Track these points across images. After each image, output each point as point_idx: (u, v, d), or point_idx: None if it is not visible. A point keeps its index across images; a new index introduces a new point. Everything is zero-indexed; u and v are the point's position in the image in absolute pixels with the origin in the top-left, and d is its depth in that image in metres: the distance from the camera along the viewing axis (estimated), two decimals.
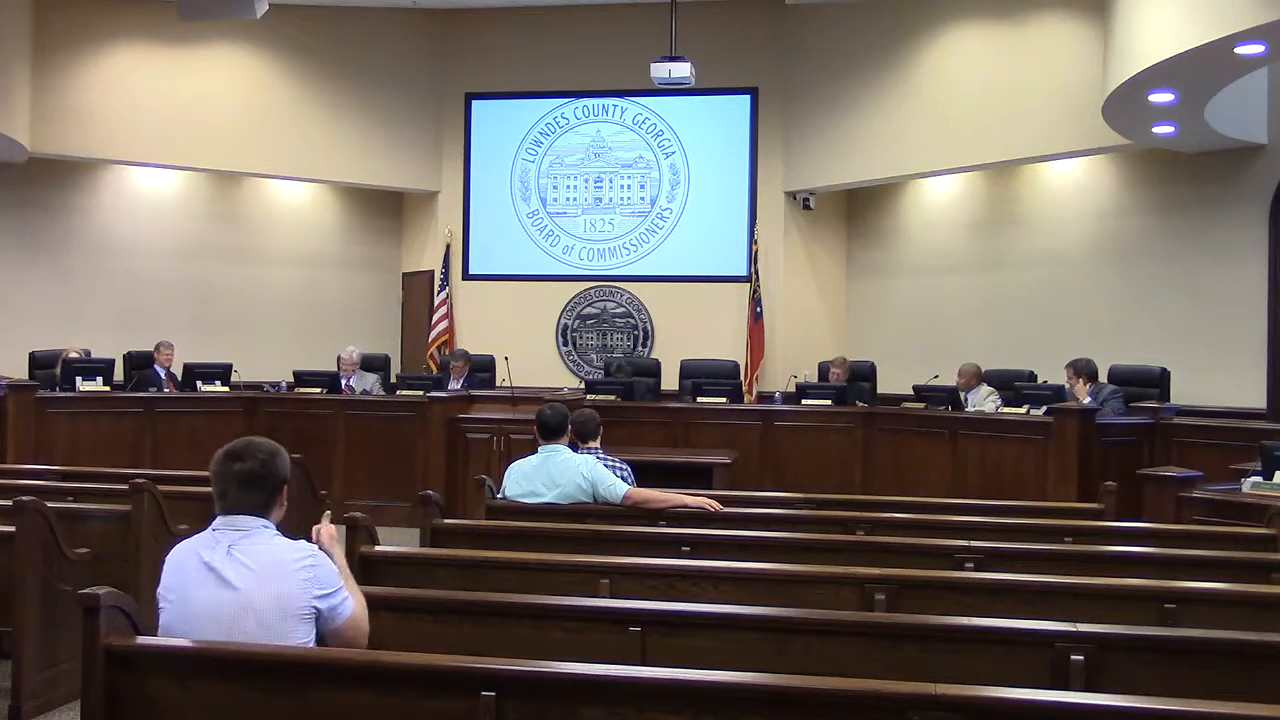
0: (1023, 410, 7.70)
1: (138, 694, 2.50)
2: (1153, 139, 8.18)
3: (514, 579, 3.75)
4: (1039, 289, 9.76)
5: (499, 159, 11.77)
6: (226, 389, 9.17)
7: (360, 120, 11.38)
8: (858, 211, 11.58)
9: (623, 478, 5.08)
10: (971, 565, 4.00)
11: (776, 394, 9.97)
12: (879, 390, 9.74)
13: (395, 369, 10.67)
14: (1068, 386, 7.78)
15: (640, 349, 11.42)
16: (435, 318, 11.59)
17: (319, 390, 9.18)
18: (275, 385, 9.56)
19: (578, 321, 11.64)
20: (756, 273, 11.00)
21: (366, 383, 9.45)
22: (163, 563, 2.74)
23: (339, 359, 9.62)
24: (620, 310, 11.55)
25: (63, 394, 8.35)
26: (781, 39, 11.17)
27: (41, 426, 7.97)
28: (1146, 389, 8.00)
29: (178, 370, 9.33)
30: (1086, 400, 7.56)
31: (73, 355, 8.94)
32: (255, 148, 10.92)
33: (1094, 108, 7.92)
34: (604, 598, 3.57)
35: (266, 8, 7.62)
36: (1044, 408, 7.41)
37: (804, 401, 9.13)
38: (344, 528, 3.80)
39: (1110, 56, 7.57)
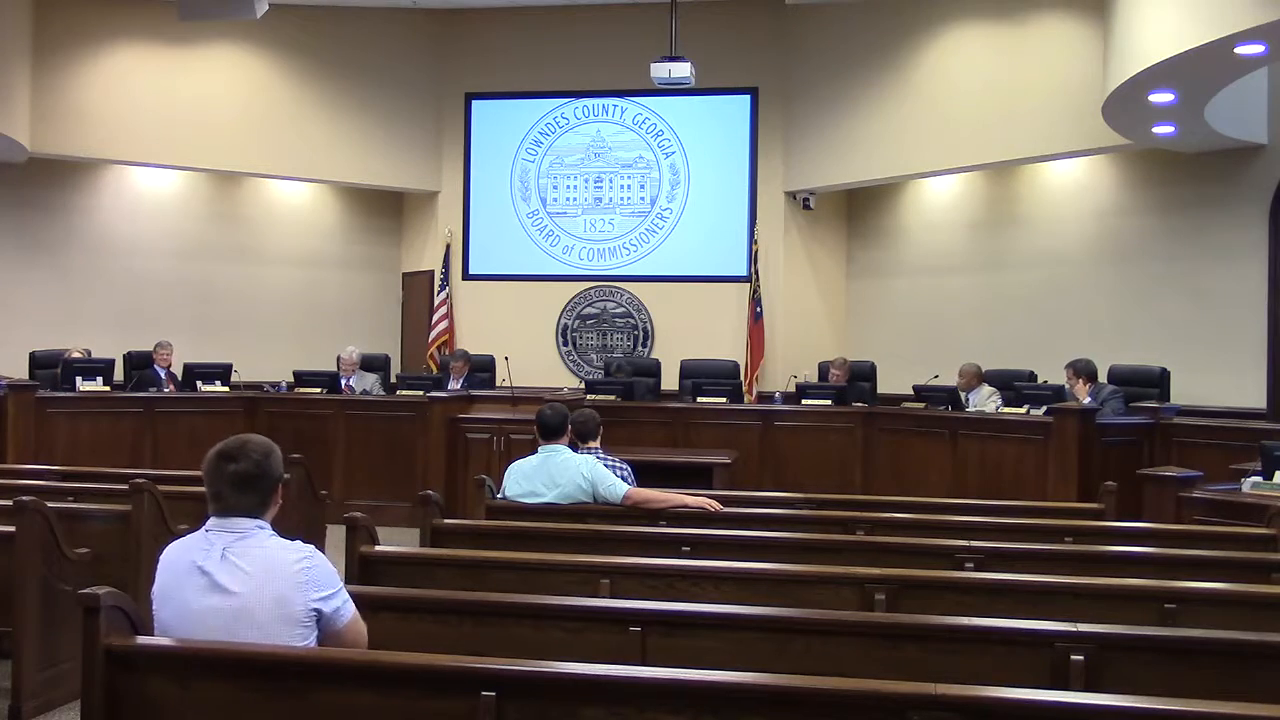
0: (1023, 410, 7.70)
1: (138, 694, 2.50)
2: (1153, 139, 8.18)
3: (514, 579, 3.74)
4: (1039, 289, 9.76)
5: (499, 159, 11.77)
6: (226, 389, 9.17)
7: (360, 120, 11.38)
8: (858, 211, 11.58)
9: (623, 478, 5.08)
10: (971, 565, 4.00)
11: (776, 394, 9.97)
12: (879, 390, 9.74)
13: (395, 369, 10.67)
14: (1067, 387, 7.78)
15: (640, 349, 11.42)
16: (435, 318, 11.59)
17: (319, 390, 9.18)
18: (275, 385, 9.56)
19: (578, 321, 11.64)
20: (756, 273, 11.00)
21: (366, 383, 9.45)
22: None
23: (339, 359, 9.62)
24: (620, 310, 11.55)
25: (63, 394, 8.35)
26: (781, 39, 11.17)
27: (41, 426, 7.97)
28: (1146, 389, 8.00)
29: (178, 370, 9.33)
30: (1086, 400, 7.56)
31: (74, 355, 8.94)
32: (255, 148, 10.92)
33: (1094, 108, 7.92)
34: (604, 598, 3.57)
35: (266, 8, 7.62)
36: (1044, 408, 7.41)
37: (804, 401, 9.13)
38: (344, 528, 3.82)
39: (1110, 56, 7.57)
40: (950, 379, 8.73)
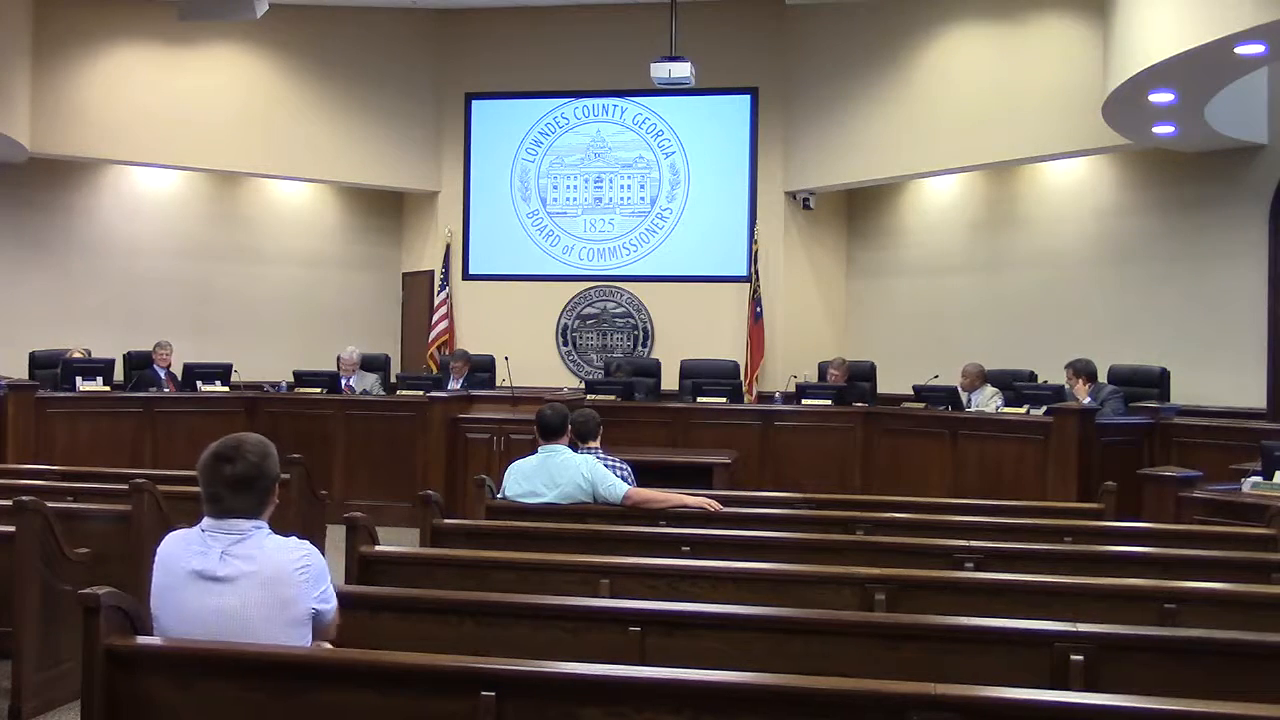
0: (1023, 410, 7.70)
1: (138, 694, 2.50)
2: (1153, 139, 8.18)
3: (514, 579, 3.75)
4: (1039, 289, 9.75)
5: (499, 159, 11.77)
6: (226, 389, 9.16)
7: (360, 120, 11.38)
8: (858, 211, 11.58)
9: (623, 478, 5.08)
10: (971, 565, 4.00)
11: (776, 394, 9.97)
12: (879, 390, 9.74)
13: (395, 369, 10.67)
14: (1067, 387, 7.78)
15: (640, 349, 11.42)
16: (435, 318, 11.59)
17: (319, 390, 9.18)
18: (275, 385, 9.56)
19: (578, 321, 11.64)
20: (756, 273, 11.00)
21: (366, 383, 9.45)
22: None
23: (339, 359, 9.62)
24: (620, 310, 11.55)
25: (63, 394, 8.34)
26: (781, 39, 11.17)
27: (41, 426, 7.96)
28: (1146, 389, 8.00)
29: (178, 370, 9.33)
30: (1086, 400, 7.56)
31: (74, 355, 8.94)
32: (255, 148, 10.92)
33: (1094, 108, 7.92)
34: (604, 598, 3.57)
35: (266, 8, 7.62)
36: (1044, 408, 7.41)
37: (804, 401, 9.13)
38: (344, 528, 3.81)
39: (1110, 56, 7.57)
40: (950, 379, 8.72)
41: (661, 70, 9.20)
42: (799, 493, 6.35)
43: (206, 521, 2.64)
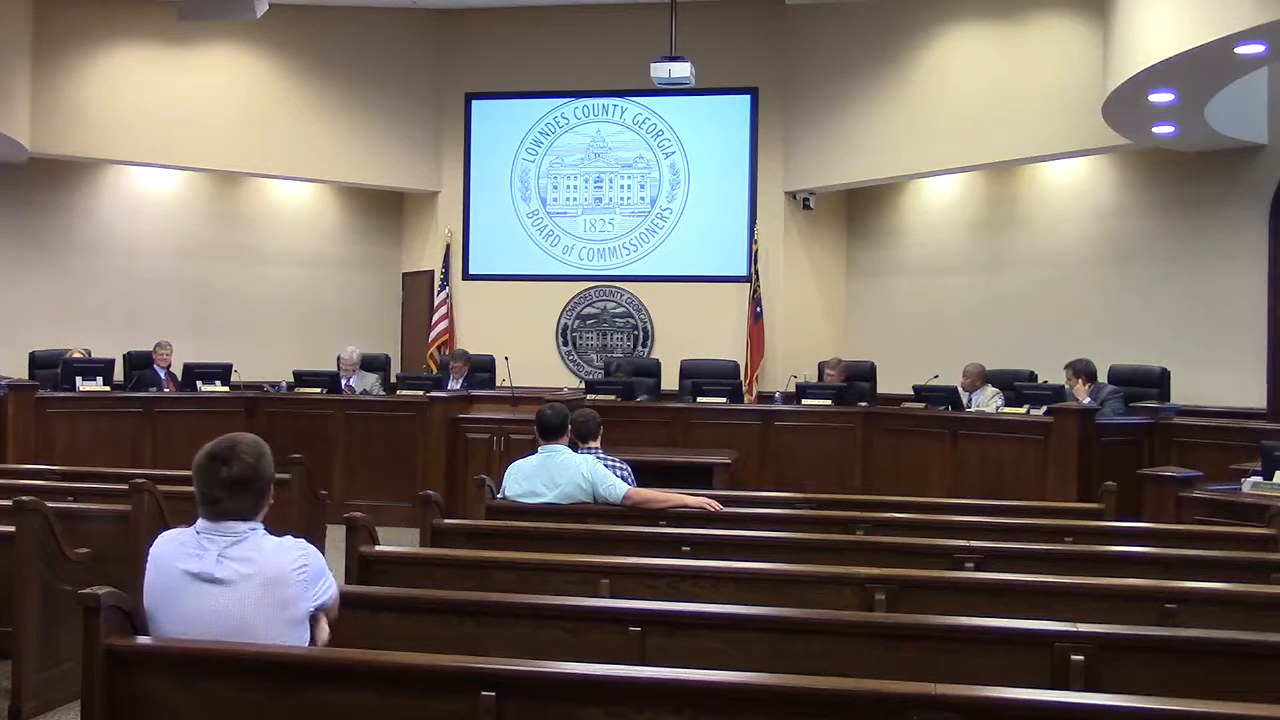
0: (1023, 410, 7.70)
1: (138, 694, 2.50)
2: (1153, 139, 8.18)
3: (514, 579, 3.75)
4: (1039, 289, 9.75)
5: (499, 159, 11.77)
6: (226, 389, 9.16)
7: (360, 120, 11.38)
8: (858, 211, 11.58)
9: (623, 478, 5.08)
10: (971, 565, 4.00)
11: (776, 394, 9.97)
12: (879, 390, 9.74)
13: (395, 369, 10.67)
14: (1067, 387, 7.78)
15: (640, 349, 11.42)
16: (435, 318, 11.59)
17: (319, 390, 9.17)
18: (275, 385, 9.56)
19: (578, 321, 11.64)
20: (756, 273, 11.00)
21: (366, 383, 9.45)
22: None
23: (339, 359, 9.62)
24: (620, 310, 11.55)
25: (63, 394, 8.34)
26: (781, 39, 11.17)
27: (41, 426, 7.96)
28: (1146, 389, 8.00)
29: (178, 370, 9.33)
30: (1086, 400, 7.56)
31: (74, 355, 8.94)
32: (255, 148, 10.92)
33: (1094, 108, 7.92)
34: (604, 598, 3.57)
35: (266, 8, 7.62)
36: (1044, 408, 7.41)
37: (804, 401, 9.12)
38: (344, 528, 3.81)
39: (1110, 56, 7.57)
40: (950, 379, 8.72)
41: (661, 70, 9.20)
42: (799, 493, 6.35)
43: (201, 523, 2.62)
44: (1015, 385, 8.21)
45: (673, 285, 11.41)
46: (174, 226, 11.24)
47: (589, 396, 9.04)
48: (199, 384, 9.12)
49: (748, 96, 11.31)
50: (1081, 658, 2.78)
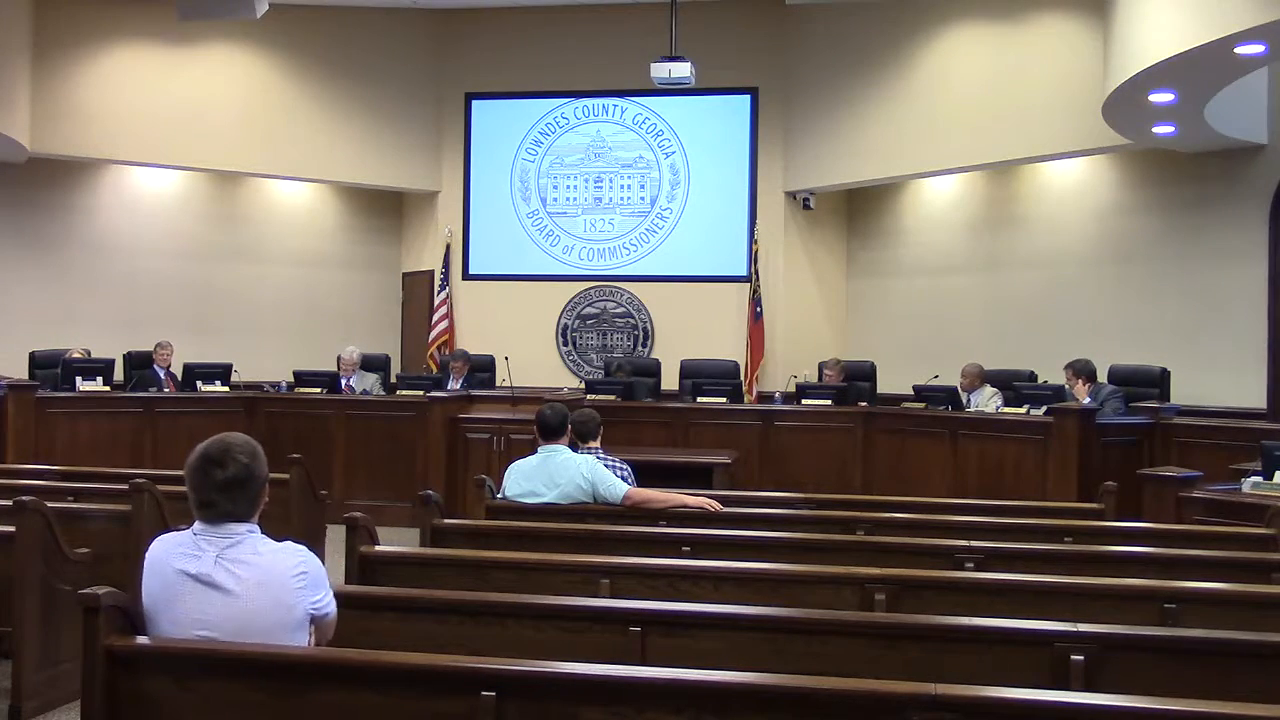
0: (1023, 410, 7.70)
1: (138, 694, 2.50)
2: (1153, 139, 8.18)
3: (514, 579, 3.74)
4: (1039, 289, 9.76)
5: (499, 159, 11.77)
6: (226, 389, 9.16)
7: (360, 120, 11.38)
8: (858, 211, 11.58)
9: (623, 478, 5.08)
10: (972, 565, 4.00)
11: (776, 394, 9.96)
12: (879, 390, 9.74)
13: (395, 369, 10.67)
14: (1067, 387, 7.78)
15: (640, 349, 11.42)
16: (435, 318, 11.59)
17: (319, 390, 9.18)
18: (275, 385, 9.56)
19: (578, 321, 11.64)
20: (756, 273, 11.00)
21: (366, 383, 9.45)
22: None
23: (339, 359, 9.62)
24: (620, 310, 11.55)
25: (63, 394, 8.35)
26: (781, 39, 11.17)
27: (41, 426, 7.97)
28: (1146, 389, 8.00)
29: (178, 370, 9.33)
30: (1086, 400, 7.56)
31: (74, 355, 8.94)
32: (255, 148, 10.92)
33: (1094, 108, 7.92)
34: (604, 598, 3.57)
35: (266, 7, 7.62)
36: (1044, 408, 7.41)
37: (804, 401, 9.13)
38: (344, 528, 3.81)
39: (1110, 56, 7.57)
40: (950, 379, 8.73)
41: (661, 70, 9.20)
42: (799, 493, 6.35)
43: (198, 526, 2.61)
44: (1015, 385, 8.21)
45: (673, 285, 11.41)
46: (174, 226, 11.24)
47: (589, 396, 9.04)
48: (199, 384, 9.12)
49: (748, 96, 11.31)
50: (1081, 658, 2.78)
